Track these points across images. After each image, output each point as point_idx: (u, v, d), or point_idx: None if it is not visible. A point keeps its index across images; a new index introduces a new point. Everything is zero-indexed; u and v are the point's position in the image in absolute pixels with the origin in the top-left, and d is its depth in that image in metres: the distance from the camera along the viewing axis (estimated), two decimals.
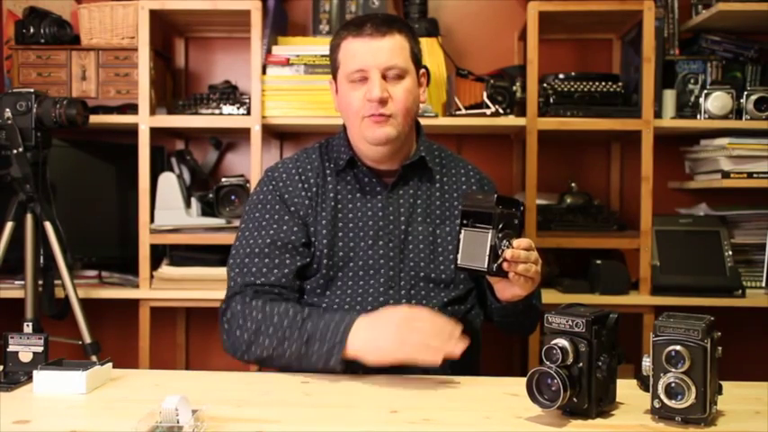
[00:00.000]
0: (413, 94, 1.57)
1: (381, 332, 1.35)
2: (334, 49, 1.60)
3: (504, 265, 1.34)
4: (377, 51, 1.52)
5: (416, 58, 1.60)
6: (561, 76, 2.44)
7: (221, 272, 2.27)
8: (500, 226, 1.32)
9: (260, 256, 1.54)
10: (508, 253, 1.33)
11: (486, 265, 1.31)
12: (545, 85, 2.41)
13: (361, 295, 1.54)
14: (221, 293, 1.58)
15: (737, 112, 2.39)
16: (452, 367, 1.51)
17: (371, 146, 1.56)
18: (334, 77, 1.63)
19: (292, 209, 1.58)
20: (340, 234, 1.58)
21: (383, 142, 1.55)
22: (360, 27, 1.54)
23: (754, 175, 2.39)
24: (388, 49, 1.53)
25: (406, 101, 1.55)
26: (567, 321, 1.13)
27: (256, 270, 1.53)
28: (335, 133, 1.69)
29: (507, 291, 1.43)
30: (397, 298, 1.54)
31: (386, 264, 1.56)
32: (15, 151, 2.08)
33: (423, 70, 1.64)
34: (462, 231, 1.33)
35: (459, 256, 1.34)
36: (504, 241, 1.33)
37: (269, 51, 2.44)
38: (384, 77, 1.53)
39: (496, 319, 1.62)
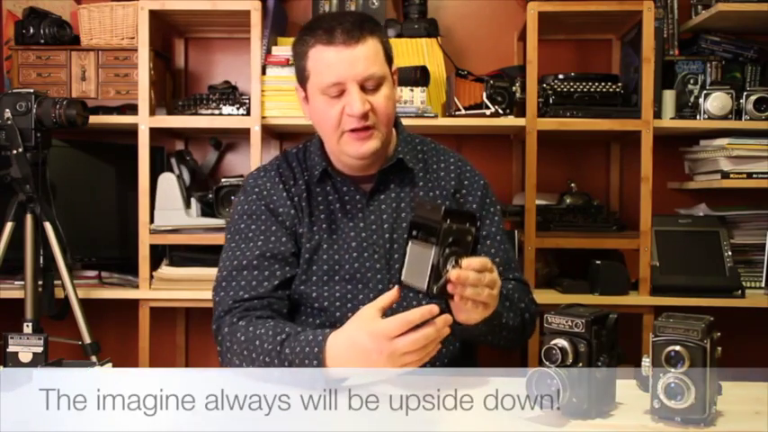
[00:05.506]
0: (392, 100, 1.47)
1: (356, 348, 1.22)
2: (301, 56, 1.46)
3: (449, 287, 1.18)
4: (352, 61, 1.40)
5: (389, 58, 1.49)
6: (561, 76, 2.43)
7: None
8: (448, 242, 1.15)
9: (248, 268, 1.46)
10: (453, 274, 1.16)
11: (425, 286, 1.16)
12: (544, 85, 2.41)
13: (351, 310, 1.44)
14: None
15: (737, 113, 2.39)
16: None
17: (354, 159, 1.48)
18: (302, 85, 1.51)
19: (280, 219, 1.50)
20: (325, 246, 1.50)
21: (368, 157, 1.47)
22: (330, 33, 1.41)
23: (754, 176, 2.39)
24: (364, 57, 1.41)
25: (387, 108, 1.46)
26: (566, 322, 1.13)
27: (245, 284, 1.46)
28: None
29: (461, 313, 1.26)
30: (389, 313, 1.46)
31: (373, 277, 1.48)
32: (15, 152, 2.08)
33: (394, 68, 1.53)
34: (409, 243, 1.18)
35: (403, 270, 1.19)
36: (451, 260, 1.16)
37: (269, 52, 2.43)
38: (362, 87, 1.42)
39: (461, 337, 1.47)
